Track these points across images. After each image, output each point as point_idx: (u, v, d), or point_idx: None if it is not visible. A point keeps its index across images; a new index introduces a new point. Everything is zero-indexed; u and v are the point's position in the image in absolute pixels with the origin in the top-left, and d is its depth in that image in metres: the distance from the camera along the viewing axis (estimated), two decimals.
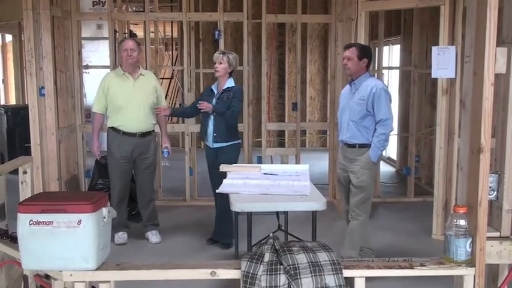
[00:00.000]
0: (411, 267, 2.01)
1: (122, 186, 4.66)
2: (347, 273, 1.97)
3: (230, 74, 4.52)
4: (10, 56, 9.89)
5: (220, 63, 4.45)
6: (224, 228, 4.56)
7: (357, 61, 3.89)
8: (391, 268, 2.00)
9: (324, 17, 6.93)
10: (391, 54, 8.59)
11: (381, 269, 2.00)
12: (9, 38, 9.66)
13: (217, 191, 3.63)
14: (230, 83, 4.50)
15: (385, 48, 8.01)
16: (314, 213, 3.40)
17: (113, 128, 4.57)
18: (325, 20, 6.87)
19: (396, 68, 8.06)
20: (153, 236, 4.74)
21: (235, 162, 4.39)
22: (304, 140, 9.92)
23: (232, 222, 4.35)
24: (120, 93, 4.51)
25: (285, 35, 9.66)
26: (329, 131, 6.54)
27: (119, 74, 4.58)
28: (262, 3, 5.89)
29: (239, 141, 4.63)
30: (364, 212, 3.94)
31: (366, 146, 3.89)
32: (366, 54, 3.96)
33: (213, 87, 4.62)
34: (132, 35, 10.78)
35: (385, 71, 8.37)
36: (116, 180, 4.67)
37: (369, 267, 2.01)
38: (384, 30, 6.75)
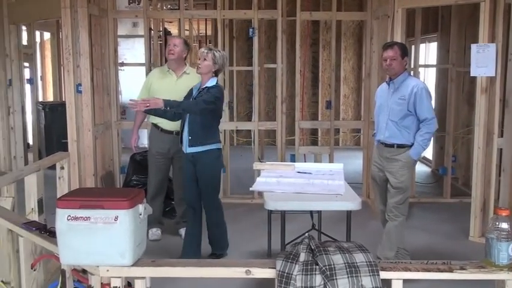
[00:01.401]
0: (450, 270, 1.96)
1: (157, 182, 4.70)
2: (384, 275, 1.93)
3: (215, 74, 4.05)
4: (48, 53, 10.08)
5: (204, 59, 3.97)
6: (217, 238, 4.28)
7: (401, 60, 3.82)
8: (429, 271, 1.95)
9: (359, 14, 6.82)
10: (428, 52, 8.44)
11: (419, 271, 1.95)
12: (47, 35, 9.85)
13: (250, 188, 3.64)
14: (212, 82, 4.01)
15: (422, 46, 7.87)
16: (348, 213, 3.36)
17: (153, 124, 4.64)
18: (360, 17, 6.78)
19: (433, 66, 7.92)
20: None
21: (217, 172, 4.16)
22: (338, 138, 9.84)
23: (225, 231, 4.29)
24: (162, 90, 4.48)
25: (319, 32, 9.59)
26: (363, 130, 6.47)
27: (163, 71, 4.65)
28: (297, 1, 5.85)
29: (218, 145, 4.10)
30: (402, 213, 3.87)
31: (404, 146, 3.82)
32: (406, 52, 3.90)
33: (195, 87, 4.16)
34: (167, 33, 10.86)
35: (421, 69, 8.22)
36: (151, 175, 4.74)
37: (406, 270, 1.96)
38: (421, 28, 6.62)
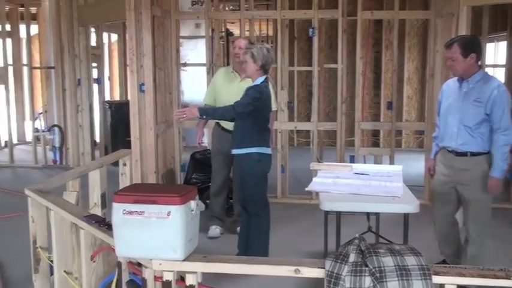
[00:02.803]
0: (508, 277, 1.88)
1: (219, 180, 4.79)
2: (437, 279, 1.88)
3: (264, 71, 3.87)
4: (115, 54, 10.45)
5: (246, 61, 3.86)
6: (251, 248, 4.03)
7: (462, 59, 3.38)
8: (485, 277, 1.88)
9: (424, 13, 6.65)
10: (497, 52, 8.12)
11: (473, 277, 1.89)
12: (114, 37, 10.20)
13: (306, 188, 3.60)
14: (257, 81, 3.86)
15: (490, 45, 7.58)
16: (406, 216, 3.29)
17: (216, 123, 4.74)
18: (424, 16, 6.61)
19: (502, 66, 7.61)
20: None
21: (255, 177, 3.95)
22: (400, 140, 9.63)
23: (263, 244, 4.04)
24: (225, 91, 4.58)
25: (381, 32, 9.42)
26: (426, 132, 6.29)
27: (228, 72, 4.72)
28: (358, 0, 5.78)
29: (260, 149, 3.90)
30: (488, 230, 3.47)
31: (479, 154, 3.41)
32: (472, 48, 3.41)
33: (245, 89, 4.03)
34: (229, 34, 10.99)
35: (489, 70, 7.92)
36: (214, 173, 4.84)
37: (460, 275, 1.90)
38: (489, 26, 6.38)
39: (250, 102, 3.74)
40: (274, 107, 4.61)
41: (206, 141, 4.98)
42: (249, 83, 4.29)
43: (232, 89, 4.52)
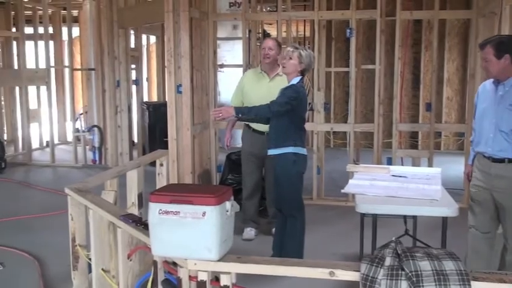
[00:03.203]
0: None
1: (251, 182, 4.77)
2: (476, 285, 1.83)
3: (302, 73, 3.87)
4: (153, 55, 10.59)
5: (290, 58, 3.82)
6: (287, 251, 3.97)
7: (496, 61, 3.20)
8: None
9: (464, 12, 6.52)
10: None
11: None
12: (153, 39, 10.35)
13: (342, 190, 3.55)
14: (293, 81, 3.85)
15: None
16: (444, 220, 3.22)
17: (246, 124, 4.70)
18: (465, 15, 6.49)
19: None
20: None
21: (291, 178, 3.90)
22: (439, 142, 9.45)
23: (298, 247, 3.97)
24: (254, 92, 4.56)
25: (421, 32, 9.26)
26: (466, 134, 6.16)
27: (256, 72, 4.70)
28: (397, 0, 5.70)
29: (296, 149, 3.85)
30: None
31: None
32: (507, 49, 3.21)
33: (281, 89, 3.99)
34: (266, 35, 11.00)
35: None
36: (245, 175, 4.82)
37: (501, 281, 1.85)
38: None
39: (286, 101, 3.73)
40: None
41: (239, 143, 4.97)
42: (278, 83, 4.36)
43: (261, 89, 4.52)
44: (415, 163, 5.95)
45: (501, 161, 3.25)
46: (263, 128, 4.40)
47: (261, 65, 4.71)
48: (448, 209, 3.09)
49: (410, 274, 1.80)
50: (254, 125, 4.57)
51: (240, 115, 3.81)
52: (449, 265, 1.83)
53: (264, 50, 4.55)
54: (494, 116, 3.28)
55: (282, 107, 3.71)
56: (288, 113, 3.76)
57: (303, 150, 3.91)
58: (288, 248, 3.98)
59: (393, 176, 3.84)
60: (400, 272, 1.83)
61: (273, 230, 4.72)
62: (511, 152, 3.22)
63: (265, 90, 4.47)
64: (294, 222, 3.97)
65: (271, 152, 3.92)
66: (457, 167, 6.93)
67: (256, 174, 4.79)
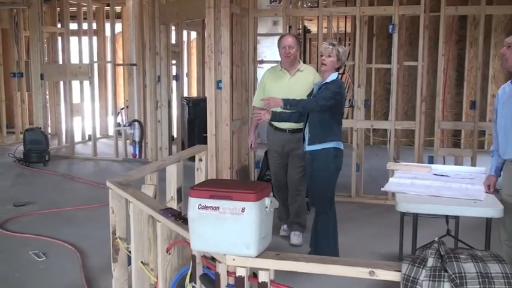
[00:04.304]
0: None
1: (276, 180, 4.71)
2: None
3: (337, 70, 3.97)
4: (194, 51, 10.67)
5: (329, 56, 3.87)
6: (323, 251, 3.93)
7: None
8: None
9: None
10: None
11: None
12: (193, 35, 10.42)
13: (382, 189, 3.51)
14: (332, 77, 3.90)
15: None
16: (488, 221, 3.13)
17: (268, 123, 4.62)
18: None
19: None
20: (295, 237, 4.61)
21: (331, 173, 3.92)
22: (483, 141, 9.20)
23: (333, 246, 3.97)
24: (275, 89, 4.45)
25: (466, 28, 9.03)
26: None
27: (276, 70, 4.60)
28: None
29: (337, 144, 3.91)
30: None
31: None
32: None
33: (316, 84, 4.08)
34: (306, 31, 10.94)
35: None
36: (272, 173, 4.79)
37: None
38: None
39: (331, 96, 3.77)
40: None
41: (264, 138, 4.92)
42: (299, 78, 4.40)
43: (282, 86, 4.45)
44: (458, 162, 5.81)
45: None
46: (284, 125, 4.43)
47: (280, 63, 4.57)
48: (492, 209, 3.01)
49: (453, 276, 1.75)
50: (276, 123, 4.48)
51: (287, 106, 3.79)
52: (495, 268, 1.78)
53: (284, 48, 4.41)
54: None
55: (328, 102, 3.75)
56: (331, 108, 3.80)
57: (342, 145, 3.96)
58: (324, 246, 3.96)
59: (435, 174, 3.76)
60: (442, 273, 1.78)
61: (291, 233, 4.64)
62: None
63: (287, 87, 4.43)
64: (326, 219, 3.96)
65: (312, 147, 3.92)
66: None
67: (280, 172, 4.67)
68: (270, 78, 4.61)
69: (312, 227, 4.20)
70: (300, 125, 4.30)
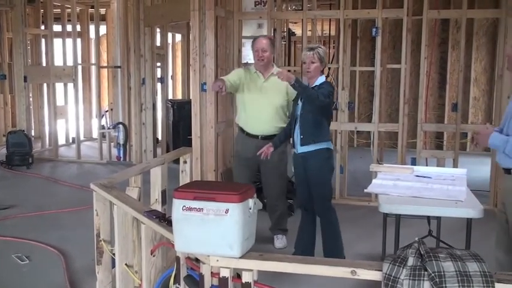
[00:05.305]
0: None
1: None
2: (500, 287, 1.81)
3: (322, 72, 3.94)
4: (179, 54, 10.66)
5: (312, 62, 3.83)
6: (333, 254, 3.96)
7: None
8: None
9: (493, 11, 6.40)
10: None
11: None
12: (178, 37, 10.41)
13: (365, 190, 3.54)
14: (321, 79, 3.88)
15: None
16: (469, 221, 3.18)
17: (239, 128, 4.54)
18: (494, 14, 6.37)
19: None
20: (279, 240, 4.61)
21: (326, 174, 3.97)
22: (465, 143, 9.32)
23: (341, 245, 4.03)
24: (248, 92, 4.35)
25: (448, 31, 9.15)
26: None
27: (251, 72, 4.42)
28: None
29: (329, 145, 3.95)
30: None
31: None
32: None
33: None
34: (291, 34, 10.98)
35: None
36: (238, 180, 4.55)
37: None
38: None
39: (327, 94, 3.76)
40: None
41: None
42: (272, 83, 4.28)
43: (255, 90, 4.35)
44: (440, 164, 5.88)
45: (508, 171, 3.01)
46: (257, 131, 4.35)
47: (254, 65, 4.43)
48: (473, 210, 3.05)
49: (433, 275, 1.79)
50: (248, 128, 4.39)
51: (297, 85, 3.68)
52: (473, 266, 1.81)
53: (257, 52, 4.27)
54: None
55: (326, 99, 3.75)
56: (323, 108, 3.81)
57: (332, 146, 4.01)
58: (333, 247, 4.01)
59: (417, 176, 3.80)
60: (422, 272, 1.82)
61: (274, 236, 4.63)
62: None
63: (259, 91, 4.34)
64: (330, 220, 4.02)
65: (305, 149, 3.89)
66: (482, 168, 6.83)
67: (248, 179, 4.49)
68: (246, 78, 4.42)
69: (299, 230, 4.21)
70: (272, 131, 4.29)
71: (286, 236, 4.64)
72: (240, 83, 4.36)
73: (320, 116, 3.85)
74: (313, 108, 3.79)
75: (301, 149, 3.91)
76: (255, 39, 4.42)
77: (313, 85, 3.88)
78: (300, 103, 3.90)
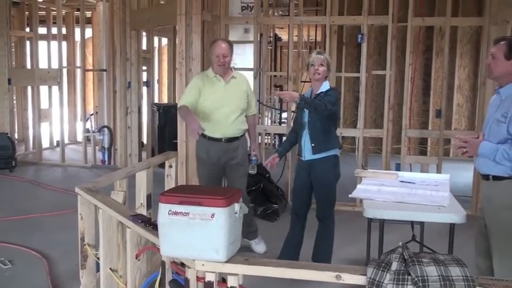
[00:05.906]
0: None
1: None
2: None
3: (326, 78, 3.98)
4: (165, 58, 10.65)
5: (321, 65, 3.88)
6: (323, 253, 4.03)
7: (504, 61, 2.87)
8: None
9: (477, 19, 6.50)
10: None
11: None
12: (164, 41, 10.41)
13: (350, 195, 3.57)
14: (326, 86, 3.93)
15: None
16: (452, 226, 3.22)
17: (202, 133, 4.25)
18: (477, 22, 6.46)
19: None
20: (257, 245, 4.59)
21: (333, 181, 4.02)
22: (448, 149, 9.41)
23: (331, 247, 4.07)
24: (209, 97, 4.21)
25: (432, 38, 9.25)
26: None
27: (209, 77, 4.27)
28: (409, 6, 5.71)
29: (337, 151, 3.99)
30: None
31: (502, 178, 2.86)
32: None
33: (306, 94, 4.03)
34: (277, 39, 11.02)
35: None
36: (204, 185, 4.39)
37: None
38: None
39: (334, 102, 3.82)
40: (254, 111, 4.52)
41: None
42: (234, 86, 4.25)
43: (217, 93, 4.22)
44: (424, 169, 5.93)
45: (486, 177, 2.98)
46: (220, 134, 4.23)
47: (213, 69, 4.26)
48: (455, 215, 3.09)
49: (416, 279, 1.81)
50: (209, 132, 4.16)
51: (302, 102, 3.73)
52: (455, 271, 1.84)
53: (218, 57, 4.13)
54: (488, 127, 2.97)
55: (333, 107, 3.80)
56: (331, 116, 3.84)
57: (339, 152, 4.06)
58: (324, 250, 4.05)
59: (401, 181, 3.84)
60: (406, 276, 1.84)
61: (251, 242, 4.57)
62: (494, 167, 2.89)
63: (221, 94, 4.24)
64: (328, 225, 4.05)
65: (315, 156, 3.91)
66: (465, 174, 6.91)
67: (216, 182, 4.42)
68: (202, 84, 4.25)
69: (286, 238, 4.18)
70: (236, 133, 4.25)
71: (261, 236, 4.62)
72: (200, 94, 4.23)
73: (328, 123, 3.89)
74: (321, 116, 3.82)
75: (311, 157, 3.94)
76: (213, 42, 4.33)
77: (319, 91, 3.90)
78: (306, 110, 3.91)
